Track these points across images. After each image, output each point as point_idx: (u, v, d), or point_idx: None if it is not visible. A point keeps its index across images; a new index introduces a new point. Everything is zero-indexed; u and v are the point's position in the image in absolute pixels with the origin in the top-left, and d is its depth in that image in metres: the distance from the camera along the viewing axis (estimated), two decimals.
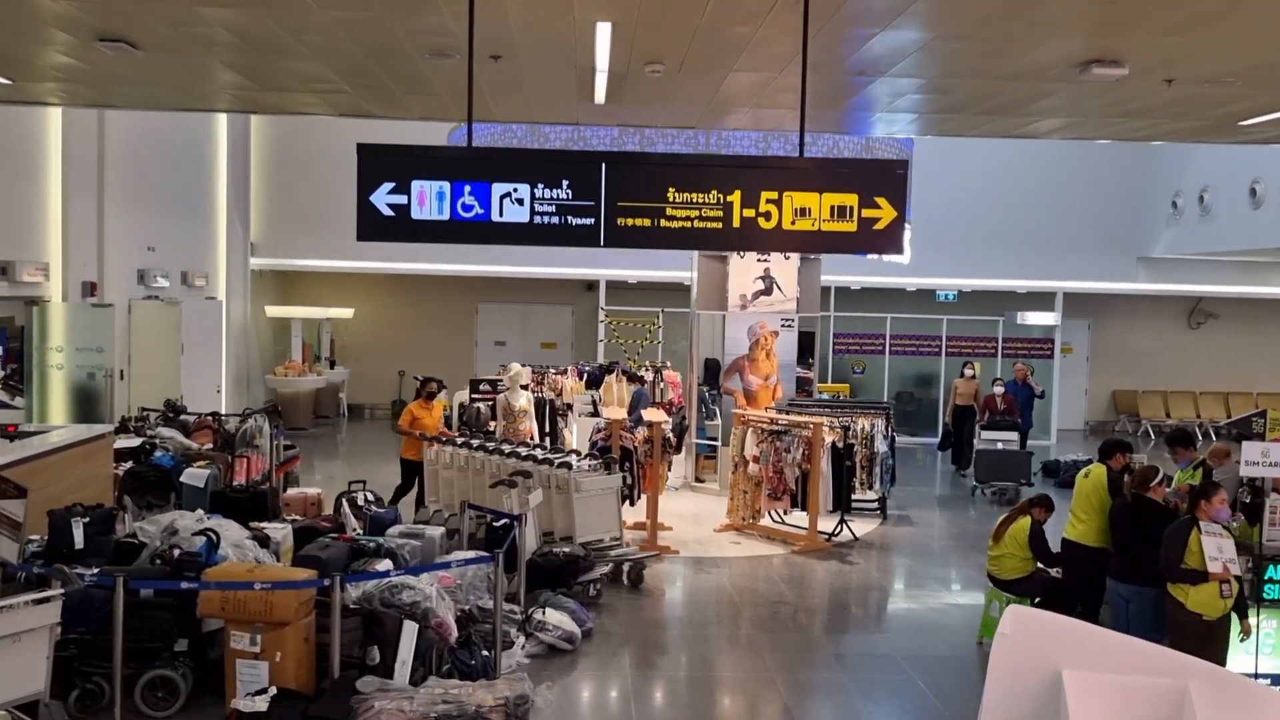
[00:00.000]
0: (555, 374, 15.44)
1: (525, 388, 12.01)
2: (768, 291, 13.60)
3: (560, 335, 21.36)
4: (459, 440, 10.58)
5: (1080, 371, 21.52)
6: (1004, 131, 9.35)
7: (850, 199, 5.01)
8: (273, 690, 5.86)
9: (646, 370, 15.06)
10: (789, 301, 13.64)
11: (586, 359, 18.36)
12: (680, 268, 16.45)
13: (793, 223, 5.02)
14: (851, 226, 5.07)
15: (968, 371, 16.36)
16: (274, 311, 18.81)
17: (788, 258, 13.53)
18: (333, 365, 20.16)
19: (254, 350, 18.91)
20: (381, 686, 6.08)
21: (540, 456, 9.76)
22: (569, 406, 15.00)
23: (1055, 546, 7.90)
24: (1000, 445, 14.31)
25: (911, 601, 9.49)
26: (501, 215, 5.03)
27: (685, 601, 9.28)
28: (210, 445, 11.47)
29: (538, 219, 5.05)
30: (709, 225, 5.01)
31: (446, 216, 5.04)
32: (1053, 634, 2.68)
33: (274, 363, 19.07)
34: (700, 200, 4.97)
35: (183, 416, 12.42)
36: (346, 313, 20.17)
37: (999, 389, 15.38)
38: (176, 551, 6.61)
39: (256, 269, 18.92)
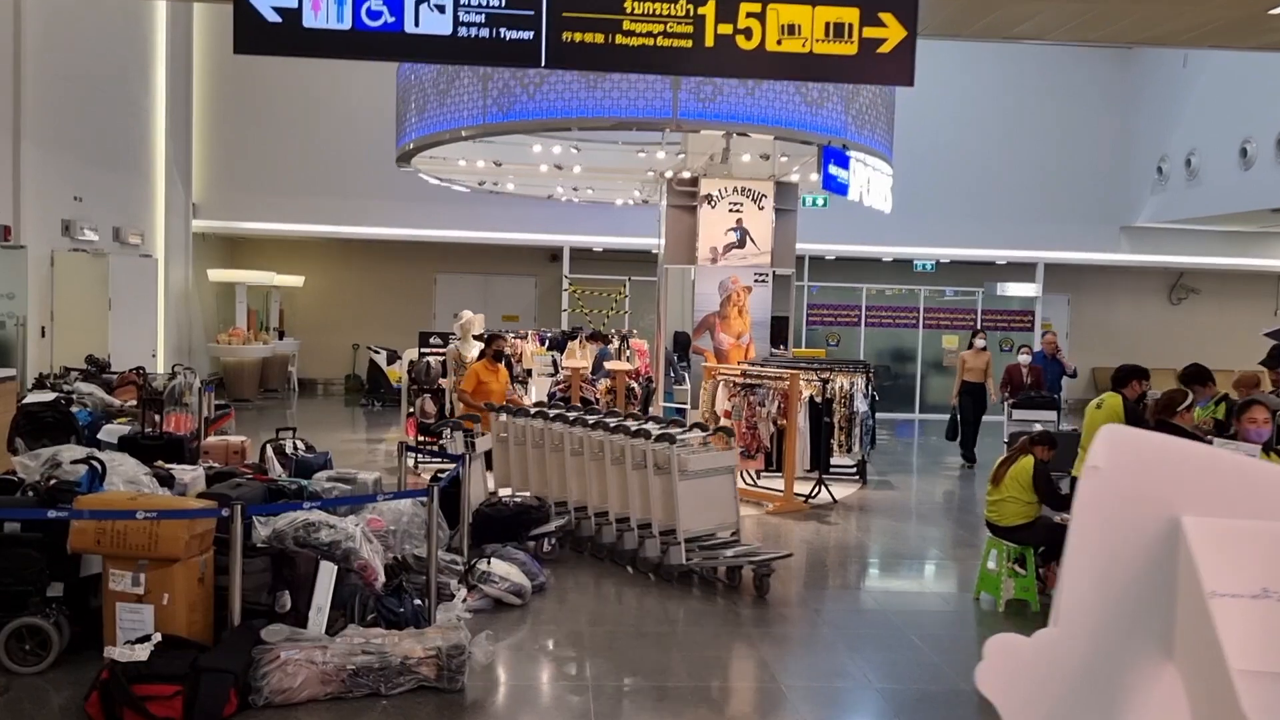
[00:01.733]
0: (514, 338, 14.56)
1: (479, 339, 11.08)
2: (740, 244, 12.77)
3: (523, 307, 20.43)
4: (533, 409, 8.68)
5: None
6: (1008, 26, 8.35)
7: (850, 14, 4.10)
8: (157, 637, 4.93)
9: (613, 338, 14.19)
10: (762, 255, 12.81)
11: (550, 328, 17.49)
12: (648, 234, 15.59)
13: (778, 43, 4.12)
14: (850, 49, 4.15)
15: (978, 342, 13.86)
16: (217, 275, 17.75)
17: (761, 207, 12.70)
18: (281, 336, 19.12)
19: (196, 317, 17.83)
20: (291, 635, 5.17)
21: (633, 427, 7.76)
22: (528, 374, 14.13)
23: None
24: (1039, 428, 10.51)
25: (899, 560, 8.66)
26: (417, 25, 4.09)
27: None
28: (134, 402, 10.50)
29: (462, 31, 4.11)
30: (675, 44, 4.09)
31: (348, 25, 4.08)
32: (1167, 463, 1.81)
33: (218, 330, 18.00)
34: (665, 11, 4.06)
35: (106, 374, 11.45)
36: (296, 281, 19.14)
37: (1025, 358, 13.12)
38: (53, 481, 5.66)
39: (200, 232, 17.85)
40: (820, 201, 14.34)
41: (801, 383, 10.40)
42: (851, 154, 10.74)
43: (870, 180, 11.58)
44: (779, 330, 13.00)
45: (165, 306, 16.08)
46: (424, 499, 6.05)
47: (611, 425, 7.84)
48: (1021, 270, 19.29)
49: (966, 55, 18.26)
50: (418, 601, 5.88)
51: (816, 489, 10.61)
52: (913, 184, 17.16)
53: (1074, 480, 6.78)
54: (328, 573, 5.49)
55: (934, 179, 17.98)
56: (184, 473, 6.84)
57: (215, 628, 5.34)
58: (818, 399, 10.57)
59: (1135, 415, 6.65)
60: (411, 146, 11.15)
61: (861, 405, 11.51)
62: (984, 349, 13.78)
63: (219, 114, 17.89)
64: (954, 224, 18.42)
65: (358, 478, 7.36)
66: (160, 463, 6.86)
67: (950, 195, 18.40)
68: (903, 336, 19.08)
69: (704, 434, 7.91)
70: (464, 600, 6.34)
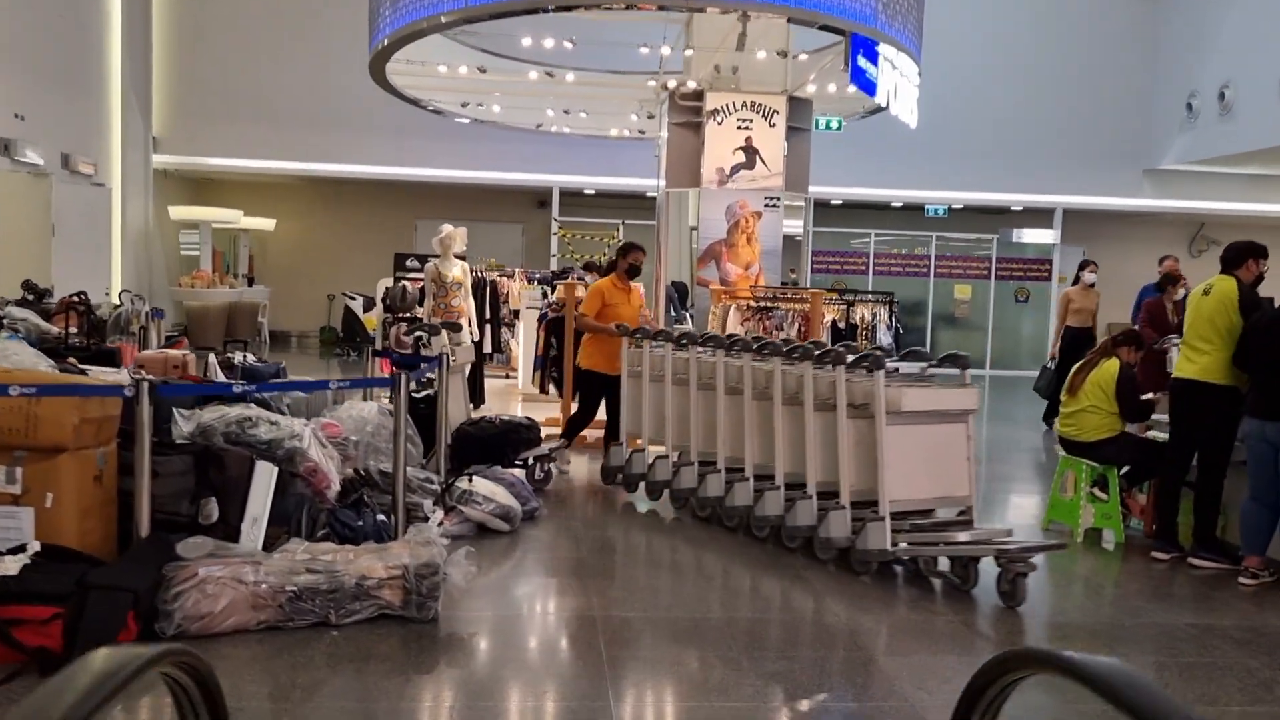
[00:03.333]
0: (501, 276, 13.41)
1: (461, 258, 9.88)
2: (749, 164, 11.60)
3: (509, 256, 19.17)
4: (677, 335, 6.67)
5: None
6: None
7: None
8: (34, 547, 3.78)
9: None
10: (774, 177, 11.64)
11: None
12: (643, 174, 14.38)
13: None
14: None
15: (1087, 276, 11.41)
16: (179, 213, 16.45)
17: (773, 124, 11.54)
18: (251, 283, 17.86)
19: (158, 258, 16.55)
20: (216, 550, 4.03)
21: (809, 350, 5.51)
22: (515, 314, 12.99)
23: None
24: None
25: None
26: None
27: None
28: (75, 330, 9.32)
29: None
30: None
31: None
32: None
33: (180, 273, 16.73)
34: None
35: (45, 301, 10.27)
36: (267, 224, 17.89)
37: (1182, 292, 9.30)
38: None
39: (161, 168, 16.55)
40: (835, 124, 13.19)
41: (826, 306, 9.28)
42: (882, 51, 9.59)
43: (898, 86, 10.43)
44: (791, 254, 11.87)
45: (122, 245, 14.83)
46: (389, 395, 4.91)
47: (786, 350, 5.64)
48: (1039, 216, 18.19)
49: None
50: (381, 517, 4.75)
51: None
52: (925, 124, 15.95)
53: (1177, 383, 5.69)
54: (265, 476, 4.36)
55: (947, 119, 16.81)
56: (108, 374, 5.67)
57: (120, 541, 4.20)
58: (840, 324, 9.46)
59: (1252, 300, 5.58)
60: (386, 43, 9.92)
61: (885, 337, 10.41)
62: (1093, 285, 11.51)
63: (181, 38, 16.57)
64: (967, 167, 17.29)
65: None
66: (73, 360, 5.69)
67: (964, 137, 17.26)
68: (912, 286, 17.96)
69: (926, 363, 5.57)
70: (440, 523, 5.20)
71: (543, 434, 7.02)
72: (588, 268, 12.08)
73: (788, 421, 5.61)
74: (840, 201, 17.95)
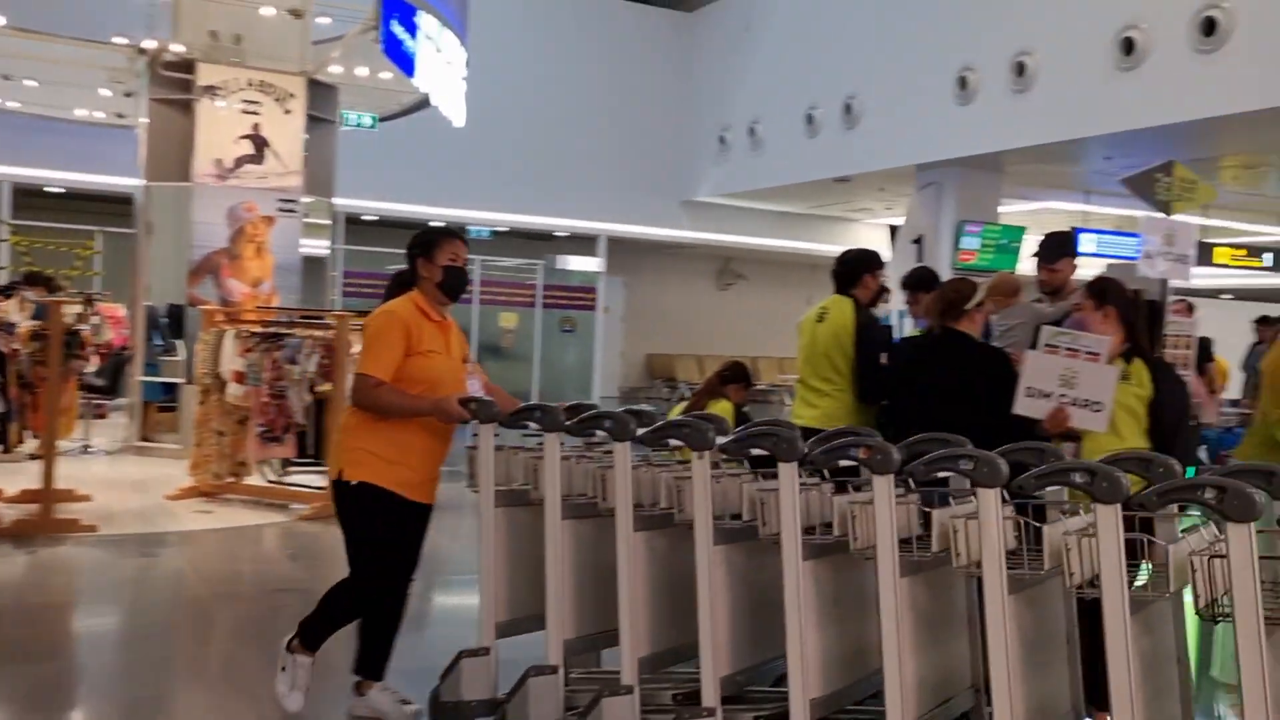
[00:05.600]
0: None
1: None
2: (257, 158, 9.32)
3: None
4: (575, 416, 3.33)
5: (616, 334, 19.51)
6: None
7: None
8: None
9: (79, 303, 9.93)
10: (289, 175, 9.46)
11: None
12: (125, 170, 11.38)
13: None
14: None
15: None
16: None
17: (288, 111, 9.36)
18: None
19: None
20: None
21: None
22: None
23: None
24: None
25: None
26: None
27: (107, 604, 4.98)
28: None
29: None
30: None
31: None
32: None
33: None
34: None
35: None
36: None
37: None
38: None
39: None
40: (369, 121, 11.23)
41: (354, 332, 7.30)
42: (421, 23, 7.86)
43: (442, 74, 8.77)
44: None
45: None
46: None
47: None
48: (584, 243, 17.56)
49: (528, 9, 16.19)
50: None
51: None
52: (469, 140, 14.56)
53: None
54: None
55: (492, 137, 15.55)
56: None
57: None
58: None
59: (871, 323, 4.59)
60: None
61: None
62: None
63: None
64: (512, 188, 16.15)
65: None
66: None
67: (510, 157, 16.10)
68: (456, 313, 16.31)
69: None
70: None
71: None
72: (30, 280, 9.00)
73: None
74: (376, 217, 16.01)
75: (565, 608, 3.18)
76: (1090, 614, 2.55)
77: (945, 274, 8.57)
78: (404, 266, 3.67)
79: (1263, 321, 10.41)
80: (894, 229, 13.58)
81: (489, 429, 3.34)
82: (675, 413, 5.16)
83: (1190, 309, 8.78)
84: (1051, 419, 3.62)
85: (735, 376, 5.43)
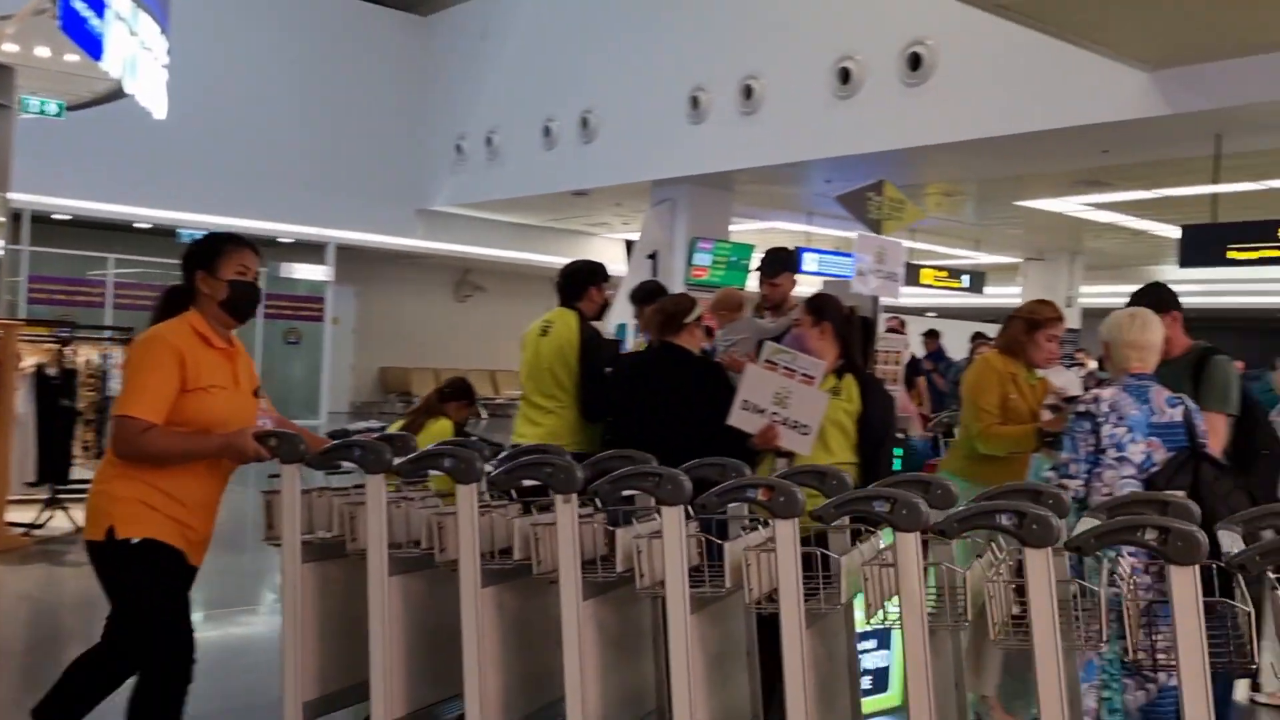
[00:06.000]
0: None
1: None
2: None
3: None
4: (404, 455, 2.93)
5: (347, 346, 18.72)
6: None
7: None
8: None
9: None
10: None
11: None
12: None
13: None
14: None
15: None
16: None
17: None
18: None
19: None
20: None
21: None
22: None
23: None
24: None
25: (216, 621, 5.32)
26: None
27: None
28: None
29: None
30: None
31: None
32: None
33: None
34: None
35: None
36: None
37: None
38: None
39: None
40: (55, 109, 10.08)
41: (22, 345, 6.49)
42: (111, 2, 7.09)
43: (138, 61, 7.98)
44: None
45: None
46: None
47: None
48: (311, 251, 16.70)
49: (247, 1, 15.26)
50: None
51: (47, 514, 6.76)
52: (180, 134, 13.48)
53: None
54: None
55: (203, 134, 14.51)
56: None
57: None
58: (51, 370, 6.74)
59: (595, 337, 4.47)
60: None
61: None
62: None
63: None
64: (229, 189, 15.10)
65: None
66: None
67: (228, 155, 15.07)
68: None
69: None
70: None
71: None
72: None
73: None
74: (70, 217, 14.54)
75: (394, 679, 2.70)
76: (768, 626, 2.48)
77: (678, 289, 8.67)
78: (179, 282, 3.10)
79: (976, 338, 11.28)
80: (630, 244, 13.72)
81: (294, 470, 2.80)
82: (394, 428, 4.84)
83: (903, 325, 9.32)
84: (761, 435, 3.62)
85: (457, 393, 5.18)
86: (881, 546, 2.43)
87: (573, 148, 14.14)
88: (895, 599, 2.12)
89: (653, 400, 3.99)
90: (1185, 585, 2.00)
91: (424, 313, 19.69)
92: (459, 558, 2.47)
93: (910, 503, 2.04)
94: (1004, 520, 2.09)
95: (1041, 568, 2.07)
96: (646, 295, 4.99)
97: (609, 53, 13.55)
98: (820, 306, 3.89)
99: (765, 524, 2.49)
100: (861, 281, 6.21)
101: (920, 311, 19.52)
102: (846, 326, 3.87)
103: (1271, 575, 2.05)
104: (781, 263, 5.09)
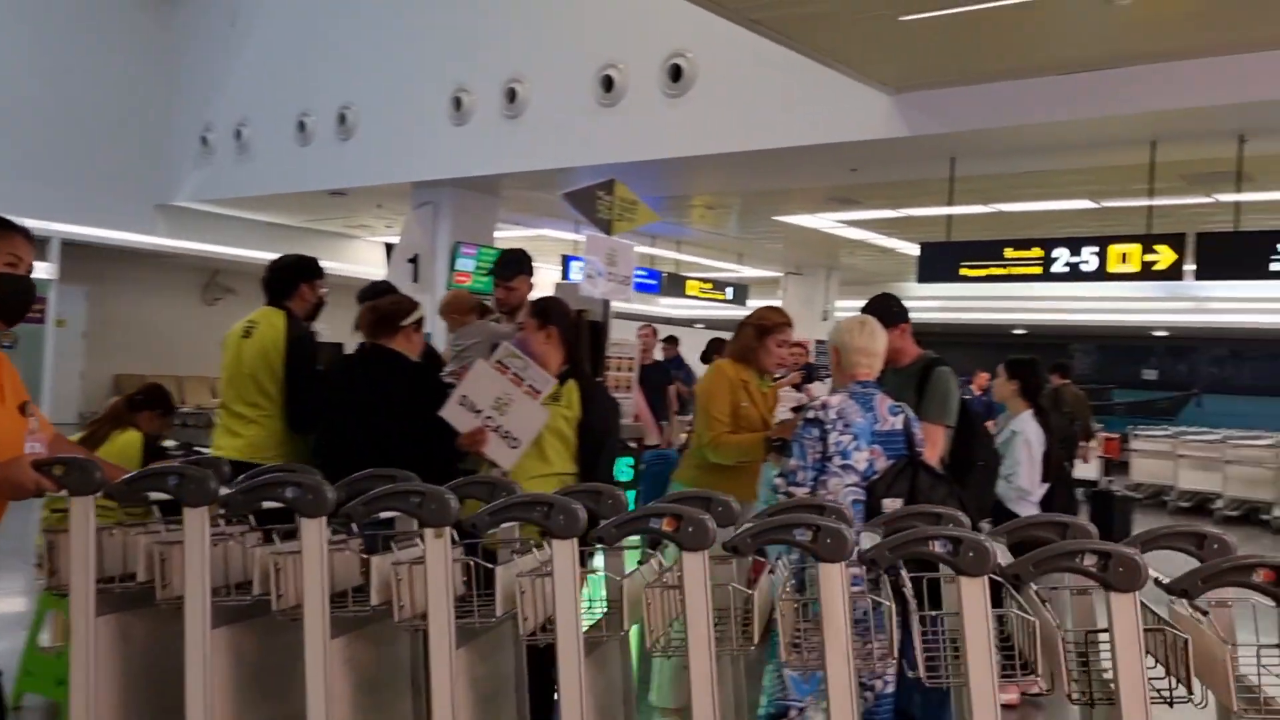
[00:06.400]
0: None
1: None
2: None
3: None
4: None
5: (76, 351, 17.09)
6: None
7: None
8: None
9: None
10: None
11: None
12: None
13: None
14: None
15: None
16: None
17: None
18: None
19: None
20: None
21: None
22: None
23: None
24: None
25: None
26: None
27: None
28: None
29: None
30: None
31: None
32: None
33: None
34: None
35: None
36: None
37: None
38: None
39: None
40: None
41: None
42: None
43: None
44: None
45: None
46: None
47: None
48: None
49: None
50: None
51: None
52: None
53: None
54: None
55: None
56: None
57: None
58: None
59: (305, 339, 4.19)
60: None
61: None
62: None
63: None
64: None
65: None
66: None
67: None
68: None
69: None
70: None
71: None
72: None
73: None
74: None
75: None
76: (541, 655, 2.33)
77: (441, 294, 8.35)
78: None
79: (713, 344, 11.47)
80: (390, 247, 13.21)
81: (87, 503, 2.29)
82: (73, 440, 4.34)
83: (655, 333, 9.32)
84: (470, 437, 3.49)
85: (151, 401, 4.56)
86: (659, 568, 2.32)
87: (329, 144, 13.47)
88: (678, 622, 2.02)
89: (359, 404, 3.74)
90: (832, 581, 2.05)
91: (168, 316, 18.27)
92: (184, 593, 2.15)
93: (698, 520, 1.94)
94: (798, 535, 2.05)
95: (835, 581, 2.04)
96: (375, 295, 4.69)
97: (368, 46, 13.00)
98: (546, 310, 3.78)
99: (539, 547, 2.32)
100: (591, 285, 6.00)
101: (689, 323, 19.95)
102: (573, 331, 3.77)
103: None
104: (517, 265, 4.94)
